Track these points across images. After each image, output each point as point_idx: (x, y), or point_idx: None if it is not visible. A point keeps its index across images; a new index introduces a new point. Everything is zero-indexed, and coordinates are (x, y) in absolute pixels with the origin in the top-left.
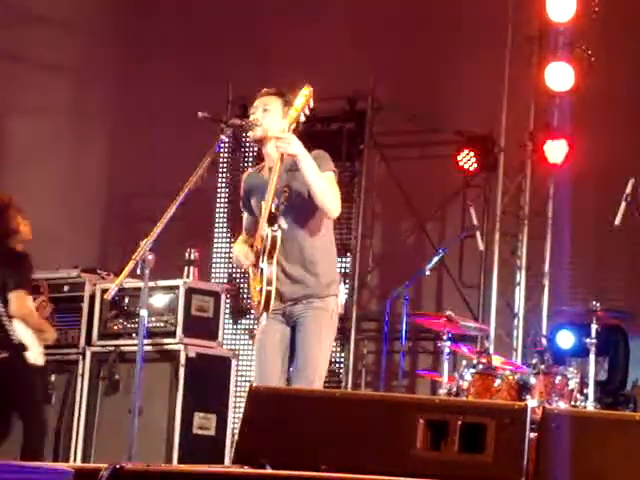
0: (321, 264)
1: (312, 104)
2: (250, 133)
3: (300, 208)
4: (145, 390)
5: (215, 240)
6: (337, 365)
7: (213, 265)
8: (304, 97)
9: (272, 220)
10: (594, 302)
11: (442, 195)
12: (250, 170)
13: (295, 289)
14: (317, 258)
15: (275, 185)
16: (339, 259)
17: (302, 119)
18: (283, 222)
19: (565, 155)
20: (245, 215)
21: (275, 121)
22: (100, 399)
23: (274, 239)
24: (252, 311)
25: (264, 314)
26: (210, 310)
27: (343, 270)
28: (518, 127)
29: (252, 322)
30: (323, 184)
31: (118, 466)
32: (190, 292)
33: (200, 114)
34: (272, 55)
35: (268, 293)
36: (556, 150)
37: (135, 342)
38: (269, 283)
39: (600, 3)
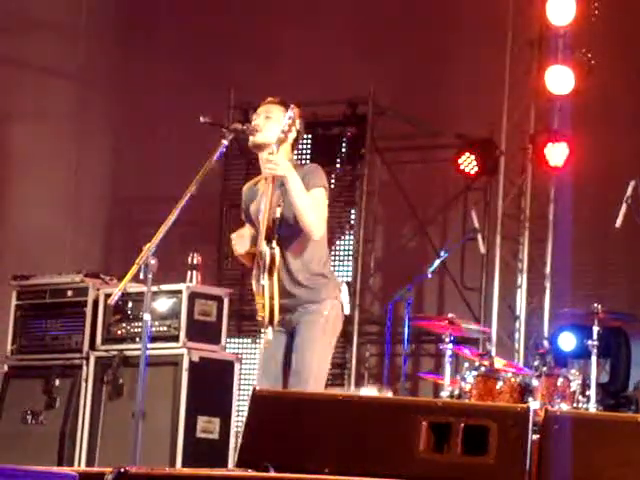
0: (316, 272)
1: (299, 125)
2: (250, 138)
3: (295, 221)
4: (148, 394)
5: (221, 244)
6: (340, 368)
7: (219, 269)
8: (289, 119)
9: (269, 237)
10: (595, 304)
11: (443, 198)
12: (249, 182)
13: (292, 298)
14: (312, 267)
15: (270, 202)
16: (341, 263)
17: (290, 139)
18: (279, 234)
19: (566, 158)
20: (247, 226)
21: (275, 130)
22: (104, 403)
23: (272, 256)
24: (256, 316)
25: (269, 328)
26: (213, 314)
27: (345, 273)
28: (519, 130)
29: (258, 329)
30: (306, 206)
31: (122, 470)
32: (193, 296)
33: (202, 119)
34: (274, 60)
35: (271, 307)
36: (557, 153)
37: (138, 346)
38: (272, 297)
39: (600, 7)
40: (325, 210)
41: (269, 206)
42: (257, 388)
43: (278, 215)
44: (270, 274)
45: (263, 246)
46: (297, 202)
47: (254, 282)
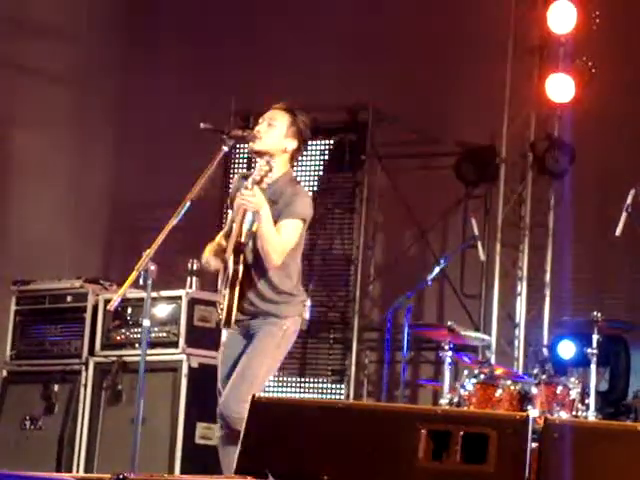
0: (281, 290)
1: (271, 176)
2: (249, 144)
3: None
4: (147, 400)
5: None
6: (339, 375)
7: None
8: (263, 171)
9: (237, 252)
10: (595, 312)
11: (443, 206)
12: (241, 172)
13: (255, 306)
14: (278, 286)
15: (240, 221)
16: (341, 269)
17: (264, 185)
18: (248, 248)
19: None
20: (230, 213)
21: (276, 137)
22: (103, 409)
23: (236, 272)
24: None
25: (224, 329)
26: (212, 320)
27: (345, 280)
28: (519, 138)
29: None
30: (269, 238)
31: (121, 476)
32: (193, 302)
33: (202, 125)
34: (275, 67)
35: (229, 312)
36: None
37: (138, 352)
38: (230, 307)
39: (601, 15)
40: (291, 243)
41: (239, 225)
42: (256, 395)
43: (250, 228)
44: (232, 287)
45: (230, 260)
46: (263, 234)
47: (219, 284)
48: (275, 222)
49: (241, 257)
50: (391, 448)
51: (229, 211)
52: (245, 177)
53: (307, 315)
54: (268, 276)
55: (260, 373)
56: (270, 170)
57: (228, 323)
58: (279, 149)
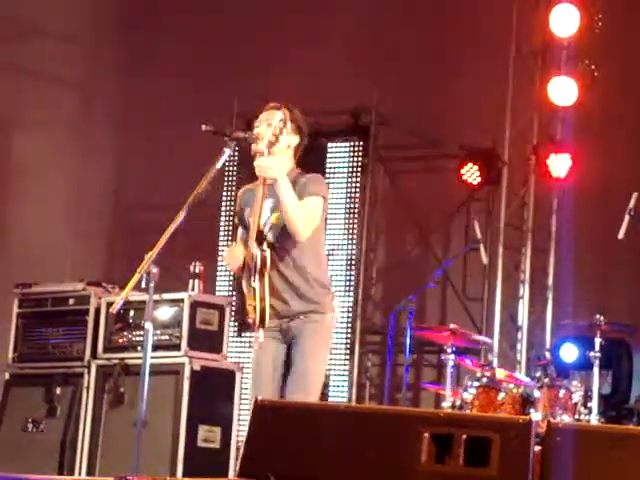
0: (314, 281)
1: (297, 129)
2: (253, 146)
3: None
4: (150, 403)
5: (220, 254)
6: (341, 378)
7: (217, 278)
8: (280, 122)
9: (260, 239)
10: (598, 316)
11: (446, 209)
12: (247, 186)
13: (291, 306)
14: (310, 275)
15: (261, 203)
16: (342, 273)
17: (284, 143)
18: (271, 238)
19: (568, 169)
20: (240, 230)
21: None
22: (105, 412)
23: (264, 259)
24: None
25: (260, 330)
26: (215, 323)
27: (347, 283)
28: (521, 141)
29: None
30: (294, 206)
31: (124, 478)
32: (195, 305)
33: (204, 127)
34: (277, 69)
35: (262, 310)
36: (559, 164)
37: (140, 355)
38: (262, 299)
39: (603, 18)
40: (316, 217)
41: (259, 208)
42: (258, 398)
43: (269, 218)
44: (261, 276)
45: (254, 248)
46: (284, 201)
47: (244, 284)
48: None
49: (264, 244)
50: (394, 451)
51: (239, 227)
52: (250, 190)
53: (337, 313)
54: (294, 264)
55: (317, 378)
56: (284, 125)
57: (263, 322)
58: (283, 147)
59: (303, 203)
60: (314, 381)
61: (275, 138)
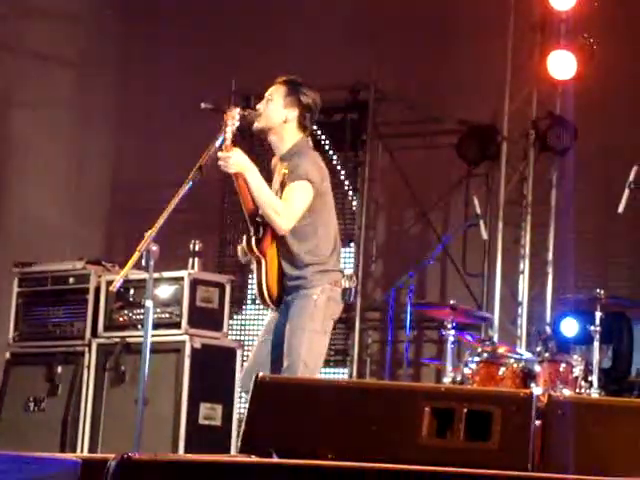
0: (307, 262)
1: (257, 125)
2: (255, 124)
3: None
4: (151, 381)
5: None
6: (342, 354)
7: (220, 255)
8: (234, 126)
9: (254, 222)
10: (598, 290)
11: (445, 184)
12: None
13: (288, 282)
14: (301, 258)
15: (243, 195)
16: (342, 250)
17: (228, 136)
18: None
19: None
20: None
21: (274, 110)
22: (106, 390)
23: (256, 242)
24: (257, 301)
25: (269, 309)
26: (215, 301)
27: (347, 260)
28: (521, 116)
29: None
30: (265, 201)
31: (126, 456)
32: (195, 283)
33: (203, 105)
34: (275, 46)
35: (261, 291)
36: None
37: (140, 333)
38: (259, 283)
39: None
40: (300, 205)
41: (244, 199)
42: (259, 374)
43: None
44: (258, 262)
45: (252, 232)
46: (255, 198)
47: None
48: None
49: (260, 227)
50: (394, 426)
51: None
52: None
53: (346, 284)
54: (287, 245)
55: (302, 354)
56: (271, 99)
57: (263, 301)
58: (280, 121)
59: (287, 190)
60: (299, 361)
61: (231, 136)
